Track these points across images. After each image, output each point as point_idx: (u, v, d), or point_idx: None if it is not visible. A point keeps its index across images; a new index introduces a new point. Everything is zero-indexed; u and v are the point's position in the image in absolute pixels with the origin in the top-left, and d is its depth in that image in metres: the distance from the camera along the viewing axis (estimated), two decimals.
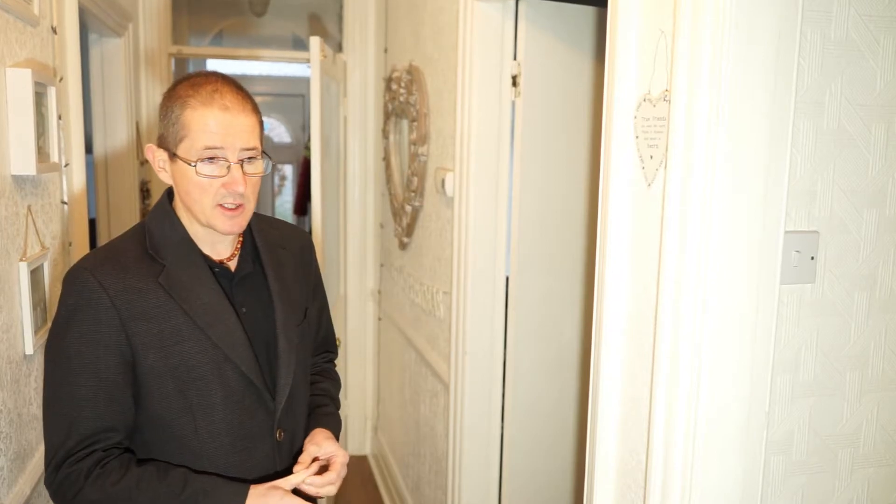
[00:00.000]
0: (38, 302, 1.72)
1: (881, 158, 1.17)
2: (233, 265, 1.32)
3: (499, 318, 2.33)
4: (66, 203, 2.00)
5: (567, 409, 2.43)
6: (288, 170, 6.48)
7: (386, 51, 3.53)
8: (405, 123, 3.01)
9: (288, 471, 1.30)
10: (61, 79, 1.98)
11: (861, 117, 1.15)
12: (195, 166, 1.18)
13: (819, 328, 1.19)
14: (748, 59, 1.05)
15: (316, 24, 5.05)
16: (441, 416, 2.66)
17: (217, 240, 1.29)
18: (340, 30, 3.93)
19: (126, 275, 1.20)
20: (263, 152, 1.25)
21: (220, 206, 1.21)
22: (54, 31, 1.92)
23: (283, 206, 6.50)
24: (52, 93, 1.79)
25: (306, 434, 1.40)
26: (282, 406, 1.30)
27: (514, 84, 2.19)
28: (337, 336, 3.36)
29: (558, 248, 2.30)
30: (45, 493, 1.76)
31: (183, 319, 1.21)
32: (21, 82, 1.56)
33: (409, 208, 2.92)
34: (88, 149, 2.54)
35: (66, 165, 2.02)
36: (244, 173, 1.21)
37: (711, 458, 1.14)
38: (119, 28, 2.98)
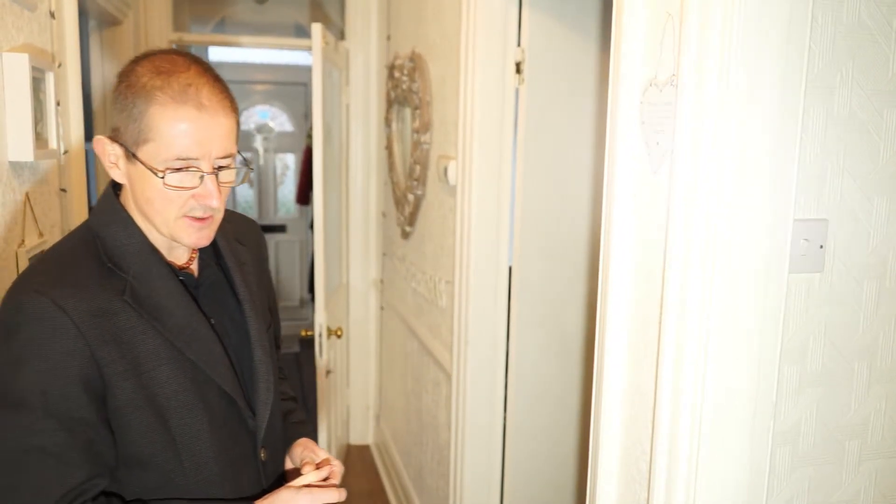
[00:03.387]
0: None
1: (892, 145, 1.15)
2: (194, 270, 1.17)
3: (501, 306, 2.32)
4: (64, 190, 1.99)
5: (570, 399, 2.42)
6: (290, 159, 6.46)
7: (388, 38, 3.50)
8: (408, 111, 2.98)
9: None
10: (60, 64, 1.96)
11: (873, 103, 1.13)
12: (163, 178, 1.00)
13: (827, 318, 1.17)
14: (758, 42, 1.03)
15: (318, 12, 5.01)
16: (443, 405, 2.65)
17: (175, 244, 1.13)
18: (343, 17, 3.90)
19: (88, 294, 1.00)
20: (240, 153, 1.09)
21: (187, 216, 1.05)
22: (52, 15, 1.90)
23: (286, 196, 6.49)
24: (50, 78, 1.77)
25: (284, 451, 1.30)
26: (265, 423, 1.18)
27: (518, 71, 2.17)
28: (339, 326, 3.36)
29: (561, 236, 2.29)
30: None
31: (158, 341, 1.04)
32: (18, 67, 1.54)
33: (411, 197, 2.90)
34: (88, 137, 2.52)
35: (65, 152, 2.01)
36: (218, 184, 1.04)
37: (717, 449, 1.12)
38: (119, 14, 2.96)
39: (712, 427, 1.11)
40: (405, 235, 3.11)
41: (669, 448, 1.16)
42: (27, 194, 1.69)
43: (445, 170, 2.40)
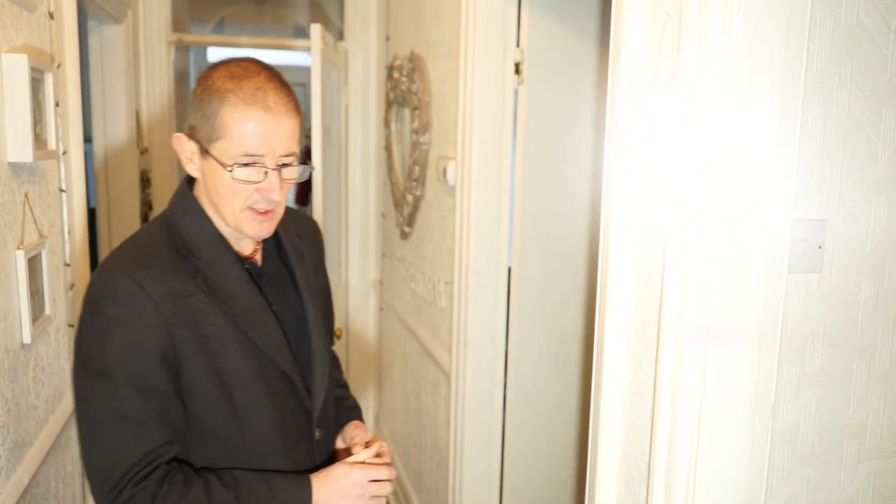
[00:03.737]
0: (36, 291, 1.71)
1: (891, 146, 1.15)
2: (258, 260, 1.27)
3: (501, 307, 2.32)
4: (64, 191, 1.99)
5: (569, 399, 2.42)
6: None
7: (388, 38, 3.50)
8: (407, 112, 2.99)
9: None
10: (59, 65, 1.96)
11: (871, 104, 1.13)
12: (231, 171, 1.11)
13: (826, 318, 1.17)
14: (757, 43, 1.03)
15: (317, 12, 5.01)
16: (442, 405, 2.65)
17: (241, 235, 1.23)
18: (342, 17, 3.90)
19: (166, 277, 1.11)
20: (302, 155, 1.21)
21: (251, 209, 1.15)
22: (51, 16, 1.90)
23: None
24: (49, 79, 1.77)
25: (336, 433, 1.38)
26: (320, 404, 1.27)
27: (517, 71, 2.17)
28: (338, 326, 3.36)
29: (561, 237, 2.29)
30: (43, 482, 1.76)
31: (225, 322, 1.14)
32: (17, 68, 1.54)
33: (410, 197, 2.90)
34: (88, 138, 2.53)
35: (65, 153, 2.01)
36: (281, 179, 1.14)
37: (716, 449, 1.12)
38: (118, 14, 2.96)
39: (711, 427, 1.11)
40: (404, 236, 3.11)
41: (669, 448, 1.16)
42: (26, 195, 1.69)
43: (444, 170, 2.40)
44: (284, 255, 1.30)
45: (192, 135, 1.15)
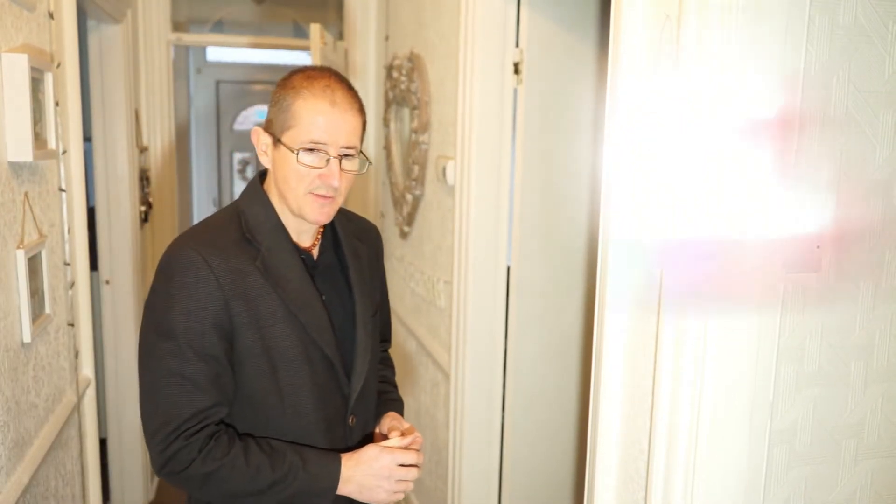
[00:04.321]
0: (36, 290, 1.71)
1: (889, 145, 1.16)
2: (314, 254, 1.36)
3: (500, 307, 2.32)
4: (64, 190, 1.99)
5: (568, 399, 2.42)
6: None
7: (387, 38, 3.50)
8: (406, 111, 2.99)
9: None
10: (58, 65, 1.96)
11: (869, 104, 1.13)
12: (297, 154, 1.23)
13: (824, 317, 1.18)
14: (755, 42, 1.03)
15: (316, 12, 5.01)
16: (442, 405, 2.65)
17: (303, 229, 1.33)
18: (341, 17, 3.91)
19: (228, 255, 1.23)
20: (361, 153, 1.30)
21: (313, 193, 1.25)
22: (51, 16, 1.90)
23: None
24: (48, 78, 1.77)
25: (375, 422, 1.46)
26: (357, 392, 1.35)
27: (517, 71, 2.17)
28: None
29: (560, 237, 2.29)
30: (43, 481, 1.76)
31: (277, 302, 1.25)
32: (17, 67, 1.54)
33: (409, 197, 2.90)
34: (88, 137, 2.52)
35: (64, 152, 2.01)
36: (341, 169, 1.25)
37: (714, 448, 1.13)
38: (118, 14, 2.96)
39: (710, 426, 1.12)
40: (403, 235, 3.12)
41: (667, 447, 1.17)
42: (26, 194, 1.69)
43: (444, 170, 2.41)
44: (340, 252, 1.40)
45: (267, 128, 1.28)
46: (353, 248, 1.41)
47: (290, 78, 1.28)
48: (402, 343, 3.30)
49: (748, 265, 1.09)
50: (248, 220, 1.29)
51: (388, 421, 1.45)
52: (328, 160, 1.24)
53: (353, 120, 1.26)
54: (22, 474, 1.56)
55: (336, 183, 1.25)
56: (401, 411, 1.52)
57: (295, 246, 1.32)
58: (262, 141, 1.30)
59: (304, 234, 1.35)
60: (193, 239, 1.25)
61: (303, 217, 1.28)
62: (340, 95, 1.25)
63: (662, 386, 1.17)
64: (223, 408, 1.24)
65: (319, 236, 1.38)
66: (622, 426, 1.33)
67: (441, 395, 2.66)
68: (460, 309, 2.34)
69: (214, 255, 1.22)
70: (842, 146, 1.13)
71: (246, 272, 1.24)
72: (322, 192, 1.25)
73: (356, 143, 1.27)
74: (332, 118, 1.23)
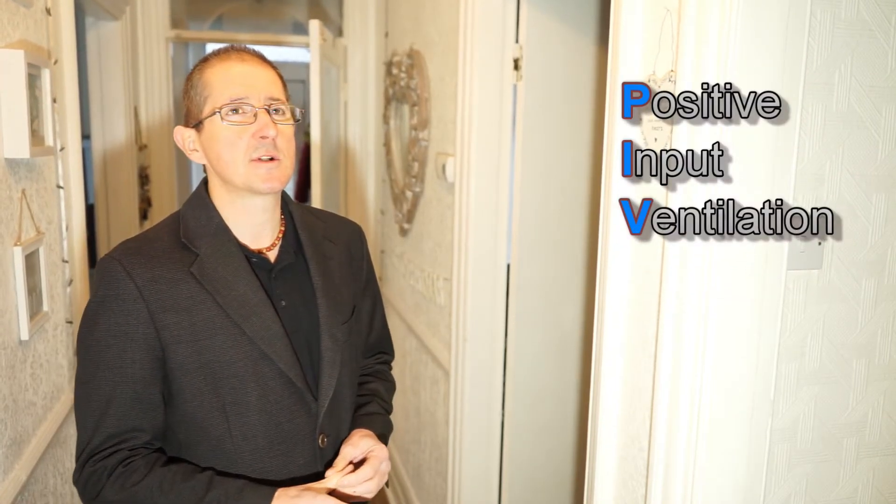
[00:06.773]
0: (34, 287, 1.71)
1: (891, 141, 1.15)
2: (273, 256, 1.23)
3: (500, 304, 2.31)
4: (61, 187, 1.98)
5: (568, 396, 2.41)
6: None
7: (387, 35, 3.49)
8: (406, 108, 2.98)
9: None
10: (56, 61, 1.95)
11: (871, 99, 1.12)
12: (219, 113, 1.13)
13: (825, 315, 1.17)
14: (756, 37, 1.02)
15: (316, 8, 5.00)
16: (441, 402, 2.65)
17: (258, 228, 1.22)
18: (341, 14, 3.90)
19: (155, 264, 1.13)
20: (291, 107, 1.20)
21: (253, 160, 1.15)
22: (48, 12, 1.89)
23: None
24: (46, 75, 1.76)
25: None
26: (325, 409, 1.21)
27: (516, 67, 2.16)
28: None
29: (560, 234, 2.28)
30: (41, 479, 1.76)
31: (216, 312, 1.14)
32: (13, 63, 1.53)
33: (409, 194, 2.89)
34: (86, 134, 2.52)
35: (62, 149, 2.00)
36: (272, 121, 1.15)
37: (715, 446, 1.12)
38: (116, 11, 2.95)
39: (710, 424, 1.11)
40: (403, 233, 3.11)
41: (667, 445, 1.16)
42: (23, 191, 1.68)
43: (444, 167, 2.40)
44: (304, 253, 1.27)
45: (187, 121, 1.20)
46: (318, 248, 1.28)
47: (195, 66, 1.21)
48: (401, 340, 3.30)
49: (749, 261, 1.09)
50: (188, 224, 1.19)
51: (346, 444, 1.24)
52: (255, 114, 1.14)
53: (267, 72, 1.18)
54: (20, 472, 1.56)
55: (272, 133, 1.13)
56: (378, 426, 1.32)
57: (241, 249, 1.20)
58: (186, 138, 1.20)
59: (262, 235, 1.23)
60: (121, 249, 1.16)
61: (253, 189, 1.16)
62: (248, 55, 1.18)
63: (662, 384, 1.16)
64: (143, 433, 1.13)
65: (280, 236, 1.25)
66: (622, 423, 1.32)
67: (441, 393, 2.65)
68: (460, 306, 2.33)
69: (138, 264, 1.12)
70: (844, 141, 1.12)
71: (176, 280, 1.13)
72: (262, 153, 1.14)
73: (280, 94, 1.18)
74: (245, 70, 1.15)
